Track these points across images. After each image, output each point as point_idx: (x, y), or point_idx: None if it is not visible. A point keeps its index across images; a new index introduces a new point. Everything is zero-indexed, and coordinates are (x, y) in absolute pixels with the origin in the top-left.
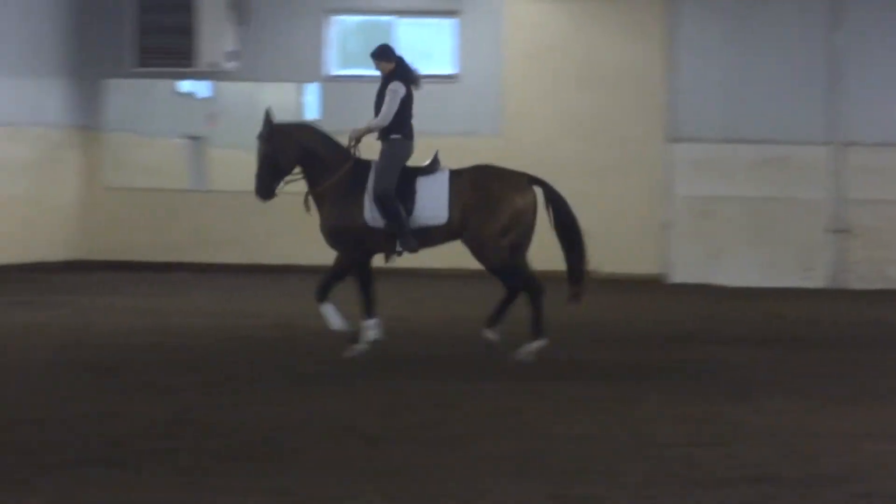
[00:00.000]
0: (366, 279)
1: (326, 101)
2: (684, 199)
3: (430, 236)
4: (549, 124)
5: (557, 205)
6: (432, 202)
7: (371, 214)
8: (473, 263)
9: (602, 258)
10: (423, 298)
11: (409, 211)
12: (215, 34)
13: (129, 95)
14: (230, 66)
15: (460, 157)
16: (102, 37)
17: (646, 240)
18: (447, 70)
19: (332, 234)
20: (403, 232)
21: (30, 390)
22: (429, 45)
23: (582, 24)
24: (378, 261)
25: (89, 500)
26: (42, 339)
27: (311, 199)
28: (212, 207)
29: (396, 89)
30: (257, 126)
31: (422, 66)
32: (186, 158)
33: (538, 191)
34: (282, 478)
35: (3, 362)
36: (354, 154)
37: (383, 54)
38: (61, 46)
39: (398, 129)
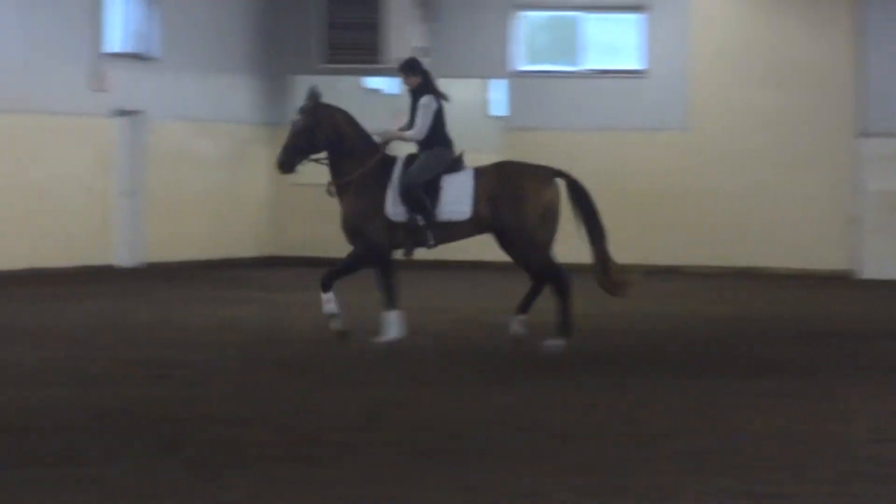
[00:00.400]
0: (388, 273)
1: (513, 97)
2: (875, 195)
3: (453, 231)
4: (735, 119)
5: (580, 197)
6: (456, 198)
7: (394, 209)
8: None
9: (786, 252)
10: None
11: (433, 206)
12: (402, 30)
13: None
14: None
15: (647, 152)
16: (290, 33)
17: (832, 235)
18: (634, 65)
19: (353, 227)
20: (428, 223)
21: (223, 387)
22: (615, 41)
23: (769, 18)
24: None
25: (283, 495)
26: (233, 336)
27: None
28: None
29: (429, 104)
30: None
31: (608, 62)
32: None
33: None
34: (471, 474)
35: (196, 359)
36: (379, 145)
37: (410, 68)
38: (249, 43)
39: (440, 141)
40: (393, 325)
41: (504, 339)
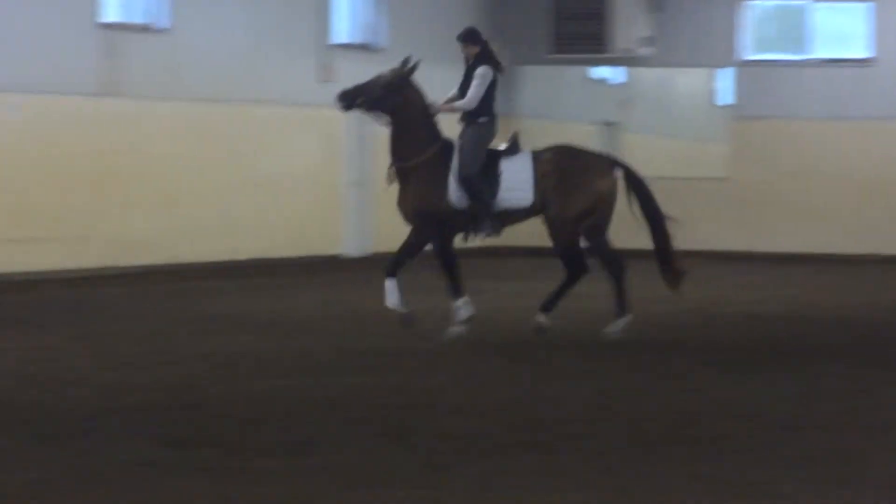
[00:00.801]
0: (450, 260)
1: (740, 86)
2: None
3: (514, 217)
4: None
5: (639, 188)
6: (517, 184)
7: (457, 196)
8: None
9: None
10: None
11: (494, 194)
12: (629, 20)
13: (543, 81)
14: (644, 51)
15: (876, 140)
16: (517, 24)
17: None
18: (861, 54)
19: (417, 214)
20: (486, 213)
21: (451, 376)
22: (843, 30)
23: None
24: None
25: (512, 484)
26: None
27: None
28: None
29: (485, 73)
30: (671, 112)
31: (836, 51)
32: (601, 144)
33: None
34: (700, 464)
35: (424, 348)
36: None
37: (470, 37)
38: None
39: (485, 112)
40: (463, 310)
41: (728, 328)
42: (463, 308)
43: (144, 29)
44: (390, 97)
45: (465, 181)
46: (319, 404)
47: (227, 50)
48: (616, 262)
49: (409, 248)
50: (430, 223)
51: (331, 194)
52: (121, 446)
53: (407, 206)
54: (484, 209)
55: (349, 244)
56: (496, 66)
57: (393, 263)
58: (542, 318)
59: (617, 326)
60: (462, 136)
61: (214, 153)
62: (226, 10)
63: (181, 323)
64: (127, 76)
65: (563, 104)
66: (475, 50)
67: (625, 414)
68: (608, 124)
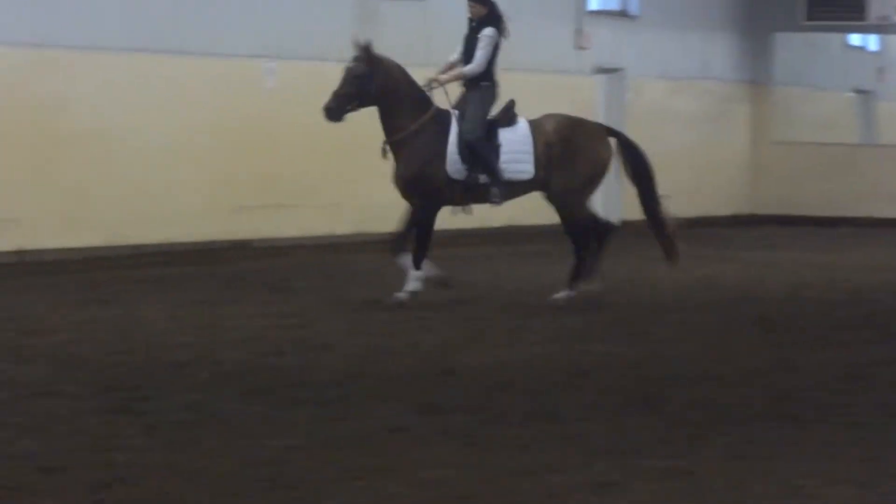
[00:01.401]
0: (429, 231)
1: None
2: None
3: (514, 189)
4: None
5: (634, 155)
6: (518, 156)
7: (454, 166)
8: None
9: None
10: None
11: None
12: None
13: (796, 49)
14: None
15: None
16: None
17: None
18: None
19: (412, 185)
20: (495, 179)
21: (700, 345)
22: None
23: None
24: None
25: (763, 454)
26: (709, 294)
27: (387, 147)
28: (881, 162)
29: (493, 35)
30: None
31: None
32: (856, 113)
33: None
34: None
35: (672, 318)
36: (432, 98)
37: None
38: (731, 1)
39: (488, 77)
40: (415, 283)
41: None
42: (416, 281)
43: None
44: (370, 85)
45: (470, 146)
46: (569, 373)
47: None
48: (603, 223)
49: (422, 230)
50: (427, 195)
51: None
52: (372, 412)
53: (402, 178)
54: (492, 174)
55: (601, 211)
56: (502, 29)
57: (397, 241)
58: (589, 286)
59: (590, 288)
60: (463, 101)
61: None
62: None
63: (431, 290)
64: (382, 43)
65: (818, 72)
66: (483, 11)
67: (880, 384)
68: (863, 92)
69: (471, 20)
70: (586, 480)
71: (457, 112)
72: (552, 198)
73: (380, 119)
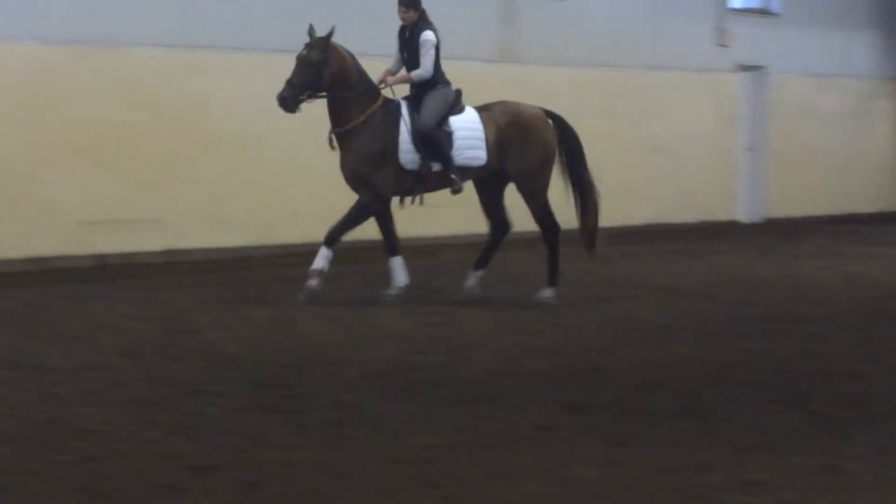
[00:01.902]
0: (387, 218)
1: None
2: None
3: (465, 176)
4: None
5: (569, 136)
6: (470, 142)
7: (408, 156)
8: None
9: None
10: None
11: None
12: None
13: None
14: None
15: None
16: None
17: None
18: None
19: (360, 176)
20: (452, 167)
21: (847, 342)
22: None
23: None
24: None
25: None
26: (855, 291)
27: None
28: None
29: (431, 39)
30: None
31: None
32: None
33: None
34: None
35: (818, 314)
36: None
37: (409, 2)
38: None
39: (441, 79)
40: (398, 271)
41: None
42: (399, 267)
43: None
44: (322, 72)
45: (425, 137)
46: (714, 370)
47: (624, 16)
48: (555, 225)
49: (356, 215)
50: (376, 185)
51: (726, 159)
52: (518, 410)
53: (350, 168)
54: (448, 162)
55: (743, 210)
56: (434, 30)
57: (334, 232)
58: (472, 280)
59: (547, 292)
60: (427, 96)
61: (608, 119)
62: None
63: (576, 288)
64: (524, 42)
65: None
66: (415, 16)
67: None
68: None
69: (403, 28)
70: (734, 479)
71: (405, 102)
72: (519, 181)
73: (328, 108)
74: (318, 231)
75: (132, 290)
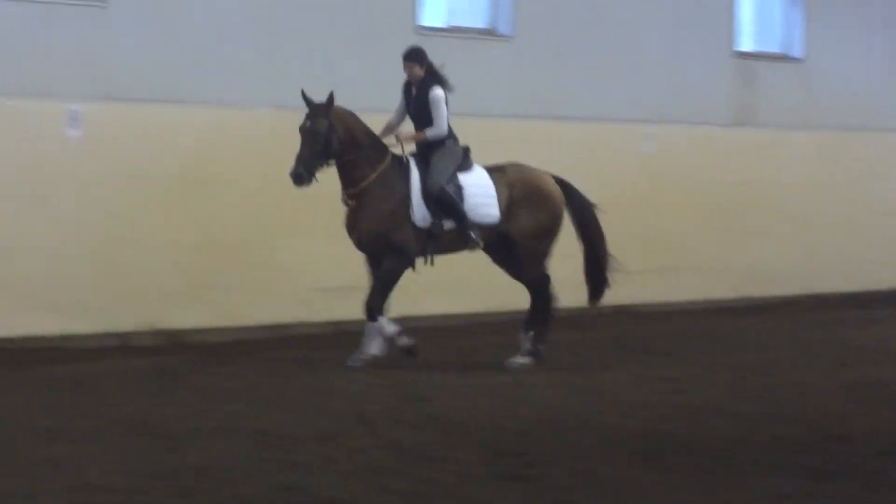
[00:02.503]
0: (395, 282)
1: None
2: None
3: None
4: None
5: (579, 204)
6: (483, 199)
7: (420, 213)
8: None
9: None
10: None
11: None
12: None
13: None
14: None
15: None
16: None
17: None
18: None
19: (379, 236)
20: (467, 223)
21: None
22: None
23: None
24: None
25: None
26: None
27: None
28: None
29: (441, 95)
30: None
31: None
32: None
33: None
34: None
35: None
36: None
37: (416, 57)
38: None
39: (450, 134)
40: (377, 337)
41: None
42: (390, 326)
43: (780, 58)
44: (331, 140)
45: (439, 194)
46: None
47: (864, 77)
48: (550, 293)
49: (388, 281)
50: (400, 244)
51: None
52: (759, 478)
53: (366, 229)
54: (464, 219)
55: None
56: (446, 85)
57: (372, 305)
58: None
59: (525, 359)
60: (430, 155)
61: (850, 181)
62: (863, 38)
63: (817, 353)
64: (762, 105)
65: None
66: (421, 73)
67: None
68: None
69: (409, 84)
70: None
71: (413, 159)
72: (516, 243)
73: (338, 171)
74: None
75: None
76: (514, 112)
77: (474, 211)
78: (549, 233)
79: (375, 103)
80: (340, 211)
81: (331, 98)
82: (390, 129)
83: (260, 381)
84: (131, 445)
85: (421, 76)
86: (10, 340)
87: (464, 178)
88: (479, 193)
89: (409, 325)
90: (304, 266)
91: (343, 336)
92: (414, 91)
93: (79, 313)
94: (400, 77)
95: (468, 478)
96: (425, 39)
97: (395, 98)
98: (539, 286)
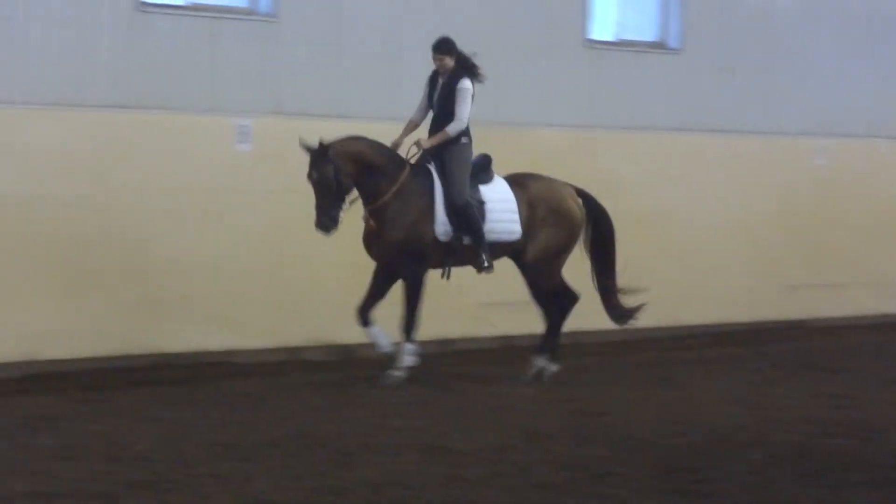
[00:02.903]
0: (419, 296)
1: None
2: None
3: (496, 252)
4: None
5: (602, 217)
6: (505, 215)
7: (442, 227)
8: None
9: None
10: None
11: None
12: None
13: None
14: None
15: None
16: None
17: None
18: None
19: (397, 250)
20: (484, 245)
21: None
22: None
23: None
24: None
25: None
26: None
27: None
28: None
29: (469, 87)
30: None
31: None
32: None
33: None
34: None
35: None
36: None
37: (445, 48)
38: None
39: (465, 132)
40: (410, 355)
41: None
42: (410, 354)
43: None
44: (342, 180)
45: (461, 209)
46: None
47: None
48: (572, 298)
49: (414, 297)
50: (417, 256)
51: None
52: None
53: (387, 241)
54: (480, 239)
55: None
56: (477, 77)
57: (409, 328)
58: (541, 362)
59: (553, 365)
60: (443, 159)
61: None
62: None
63: None
64: None
65: None
66: (451, 63)
67: None
68: None
69: (436, 74)
70: None
71: (433, 167)
72: (528, 262)
73: (358, 191)
74: (721, 312)
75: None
76: (683, 125)
77: (496, 227)
78: (565, 251)
79: (543, 118)
80: None
81: (322, 143)
82: (413, 126)
83: (429, 395)
84: (302, 460)
85: (451, 67)
86: (182, 356)
87: (486, 192)
88: (501, 209)
89: (580, 340)
90: (473, 281)
91: (512, 351)
92: (441, 81)
93: (249, 328)
94: (575, 91)
95: (638, 494)
96: (594, 53)
97: (562, 113)
98: (559, 290)
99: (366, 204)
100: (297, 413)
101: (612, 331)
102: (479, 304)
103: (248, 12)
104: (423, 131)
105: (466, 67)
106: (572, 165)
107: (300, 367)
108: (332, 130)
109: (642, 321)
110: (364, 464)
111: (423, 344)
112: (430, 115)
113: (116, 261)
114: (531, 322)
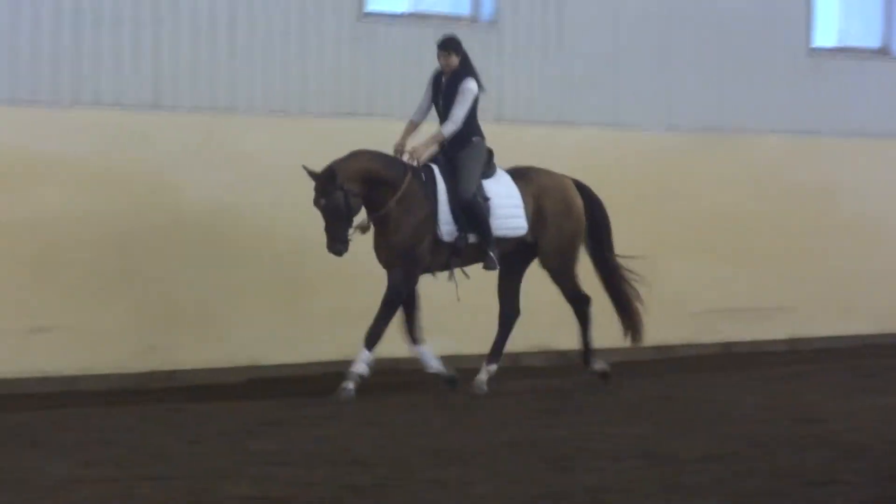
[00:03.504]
0: (410, 301)
1: None
2: None
3: (502, 248)
4: None
5: (597, 209)
6: (510, 210)
7: (447, 227)
8: None
9: None
10: None
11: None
12: None
13: None
14: None
15: None
16: None
17: None
18: None
19: (402, 253)
20: (491, 241)
21: None
22: None
23: None
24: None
25: None
26: None
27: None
28: None
29: (472, 88)
30: None
31: None
32: None
33: None
34: None
35: None
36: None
37: (452, 46)
38: None
39: (477, 131)
40: (428, 357)
41: None
42: (364, 361)
43: None
44: (351, 203)
45: (468, 206)
46: None
47: None
48: (586, 299)
49: (394, 298)
50: (412, 260)
51: None
52: None
53: (391, 246)
54: (488, 237)
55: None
56: (478, 78)
57: (410, 332)
58: (599, 365)
59: (601, 364)
60: (455, 159)
61: None
62: None
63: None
64: None
65: None
66: (456, 63)
67: None
68: None
69: (439, 74)
70: None
71: (437, 168)
72: (551, 257)
73: (363, 203)
74: None
75: (757, 378)
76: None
77: (503, 223)
78: (576, 239)
79: (762, 124)
80: (725, 231)
81: (328, 170)
82: (413, 127)
83: (644, 402)
84: (521, 465)
85: (455, 66)
86: (403, 361)
87: (489, 187)
88: (507, 204)
89: (802, 346)
90: (691, 287)
91: (731, 357)
92: (444, 80)
93: (469, 334)
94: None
95: (861, 502)
96: (817, 60)
97: (783, 121)
98: (576, 291)
99: (370, 211)
100: (516, 418)
101: (830, 337)
102: (700, 311)
103: (472, 20)
104: (423, 132)
105: (468, 67)
106: (791, 172)
107: (520, 373)
108: (553, 137)
109: (862, 327)
110: (583, 469)
111: (642, 350)
112: (430, 115)
113: (336, 268)
114: (754, 329)
